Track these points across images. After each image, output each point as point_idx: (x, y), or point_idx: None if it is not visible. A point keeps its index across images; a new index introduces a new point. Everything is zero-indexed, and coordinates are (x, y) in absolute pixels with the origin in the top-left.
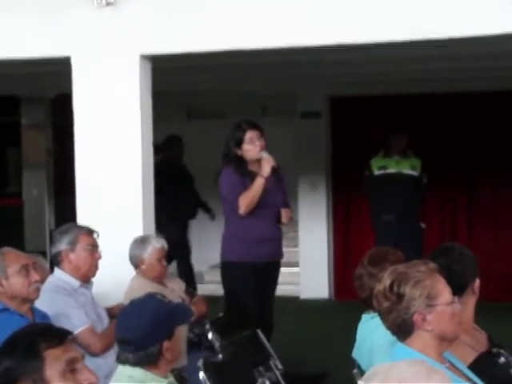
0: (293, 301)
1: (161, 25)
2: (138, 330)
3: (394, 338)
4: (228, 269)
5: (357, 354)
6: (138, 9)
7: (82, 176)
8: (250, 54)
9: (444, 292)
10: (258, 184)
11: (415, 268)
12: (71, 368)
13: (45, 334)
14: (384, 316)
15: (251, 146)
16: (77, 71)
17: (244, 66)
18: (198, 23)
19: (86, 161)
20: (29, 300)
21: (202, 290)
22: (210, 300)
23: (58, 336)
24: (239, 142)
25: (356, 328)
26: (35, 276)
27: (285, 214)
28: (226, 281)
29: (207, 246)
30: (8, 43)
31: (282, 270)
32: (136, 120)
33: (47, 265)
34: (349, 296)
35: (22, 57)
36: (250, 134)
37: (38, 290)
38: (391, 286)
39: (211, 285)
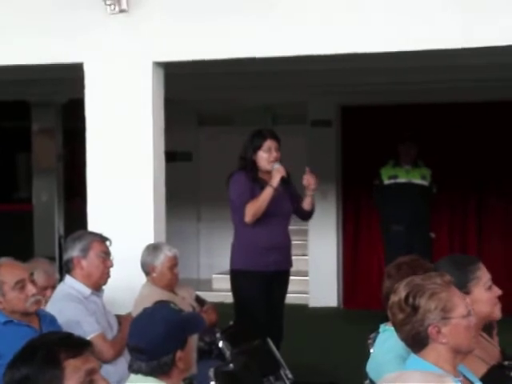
0: (302, 309)
1: (173, 32)
2: (152, 339)
3: (402, 352)
4: (236, 277)
5: (369, 366)
6: (151, 16)
7: (93, 182)
8: (261, 62)
9: (460, 305)
10: (267, 194)
11: (431, 280)
12: (89, 379)
13: (65, 344)
14: (399, 328)
15: (267, 155)
16: (89, 77)
17: (255, 74)
18: (211, 31)
19: (98, 167)
20: (28, 313)
21: (210, 297)
22: (217, 307)
23: (79, 346)
24: (257, 148)
25: (364, 337)
26: (32, 289)
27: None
28: (234, 289)
29: (215, 254)
30: (21, 49)
31: (292, 278)
32: (148, 126)
33: (56, 270)
34: (357, 305)
35: (35, 63)
36: (268, 143)
37: (37, 302)
38: (406, 297)
39: (219, 292)
